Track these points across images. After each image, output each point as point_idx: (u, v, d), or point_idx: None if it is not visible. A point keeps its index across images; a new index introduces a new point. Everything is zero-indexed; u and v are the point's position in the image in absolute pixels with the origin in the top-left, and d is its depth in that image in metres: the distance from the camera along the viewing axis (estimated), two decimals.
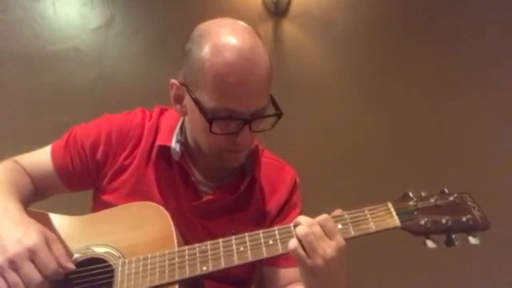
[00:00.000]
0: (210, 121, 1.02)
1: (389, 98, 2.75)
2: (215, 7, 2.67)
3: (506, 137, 2.70)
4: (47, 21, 2.64)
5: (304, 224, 0.96)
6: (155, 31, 2.72)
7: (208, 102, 1.02)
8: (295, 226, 0.99)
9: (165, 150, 1.19)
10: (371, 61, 2.78)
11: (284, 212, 1.26)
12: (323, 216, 0.97)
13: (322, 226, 0.96)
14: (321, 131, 2.74)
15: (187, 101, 1.09)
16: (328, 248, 0.94)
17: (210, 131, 1.03)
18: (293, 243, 0.95)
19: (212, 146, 1.10)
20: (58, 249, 1.02)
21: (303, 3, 2.78)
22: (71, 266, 1.03)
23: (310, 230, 0.94)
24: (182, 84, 1.09)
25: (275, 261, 1.20)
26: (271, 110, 1.08)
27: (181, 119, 1.23)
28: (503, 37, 2.74)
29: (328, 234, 0.95)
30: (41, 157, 1.25)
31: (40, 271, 0.96)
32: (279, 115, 1.08)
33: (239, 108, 1.02)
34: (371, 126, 2.74)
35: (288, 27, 2.78)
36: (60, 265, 1.01)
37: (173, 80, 1.11)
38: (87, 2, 2.67)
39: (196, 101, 1.04)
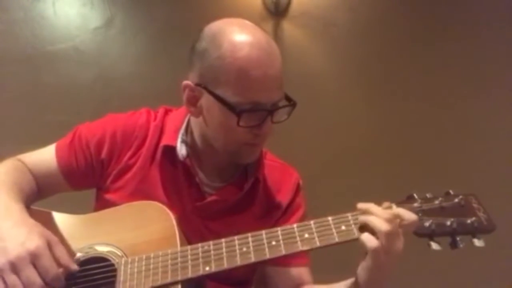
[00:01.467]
0: (238, 114, 1.04)
1: (389, 98, 2.76)
2: (215, 7, 2.67)
3: (510, 137, 2.70)
4: (47, 21, 2.64)
5: (382, 218, 0.95)
6: (155, 31, 2.72)
7: (232, 97, 1.04)
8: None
9: (170, 150, 1.19)
10: (371, 61, 2.78)
11: (288, 214, 1.26)
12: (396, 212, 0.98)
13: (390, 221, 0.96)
14: (322, 131, 2.73)
15: (204, 100, 1.10)
16: (400, 243, 0.95)
17: (238, 124, 1.05)
18: (372, 241, 0.94)
19: (232, 142, 1.11)
20: (60, 251, 1.01)
21: (303, 3, 2.78)
22: (74, 267, 1.03)
23: (391, 227, 0.94)
24: (198, 85, 1.09)
25: (283, 261, 1.20)
26: (284, 101, 1.12)
27: (186, 119, 1.24)
28: (505, 37, 2.75)
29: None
30: (45, 156, 1.25)
31: (41, 276, 0.95)
32: (293, 105, 1.12)
33: (262, 99, 1.05)
34: (372, 126, 2.74)
35: (288, 27, 2.78)
36: (63, 266, 1.01)
37: (186, 82, 1.12)
38: (87, 2, 2.67)
39: (219, 98, 1.05)
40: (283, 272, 1.22)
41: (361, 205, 1.00)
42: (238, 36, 1.05)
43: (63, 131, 1.28)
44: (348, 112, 2.78)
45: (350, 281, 1.06)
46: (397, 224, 0.96)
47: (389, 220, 0.95)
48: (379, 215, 0.96)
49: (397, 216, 0.97)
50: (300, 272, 1.22)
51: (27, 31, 2.61)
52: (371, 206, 0.99)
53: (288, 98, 1.12)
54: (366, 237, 0.95)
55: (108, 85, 2.65)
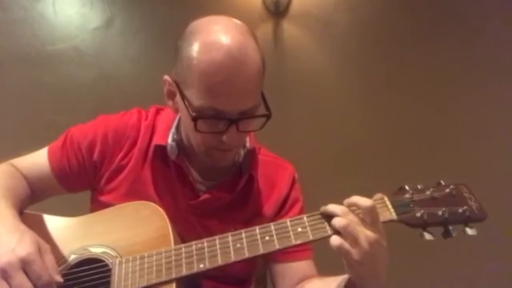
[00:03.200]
0: (194, 119, 1.01)
1: (388, 97, 2.76)
2: (215, 7, 2.67)
3: (502, 134, 2.72)
4: (47, 21, 2.64)
5: (339, 214, 0.95)
6: (155, 31, 2.72)
7: (195, 100, 1.01)
8: (326, 216, 0.99)
9: (162, 149, 1.19)
10: (371, 61, 2.78)
11: (285, 208, 1.25)
12: (351, 201, 0.97)
13: (353, 211, 0.96)
14: (321, 130, 2.74)
15: (178, 97, 1.09)
16: (368, 231, 0.93)
17: (195, 128, 1.02)
18: (336, 240, 0.93)
19: (200, 144, 1.10)
20: (49, 260, 0.99)
21: (303, 3, 2.78)
22: (59, 279, 0.99)
23: (348, 219, 0.94)
24: (174, 81, 1.09)
25: (285, 256, 1.20)
26: (262, 110, 1.07)
27: (177, 118, 1.23)
28: (503, 36, 2.75)
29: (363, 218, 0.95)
30: (38, 159, 1.25)
31: (32, 282, 0.94)
32: (268, 116, 1.06)
33: (225, 107, 1.00)
34: (370, 125, 2.75)
35: (288, 27, 2.78)
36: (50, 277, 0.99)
37: (166, 77, 1.11)
38: (87, 2, 2.68)
39: (184, 99, 1.04)
40: (287, 267, 1.21)
41: (322, 208, 1.00)
42: (211, 37, 0.99)
43: (63, 131, 1.28)
44: (347, 111, 2.78)
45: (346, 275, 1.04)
46: (354, 215, 0.95)
47: (344, 214, 0.95)
48: (336, 213, 0.96)
49: (352, 205, 0.96)
50: (304, 265, 1.21)
51: (27, 31, 2.61)
52: (328, 207, 0.98)
53: (266, 107, 1.07)
54: (332, 238, 0.94)
55: (108, 85, 2.66)
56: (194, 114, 1.01)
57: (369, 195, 1.03)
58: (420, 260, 2.52)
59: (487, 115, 2.72)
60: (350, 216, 0.94)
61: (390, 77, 2.77)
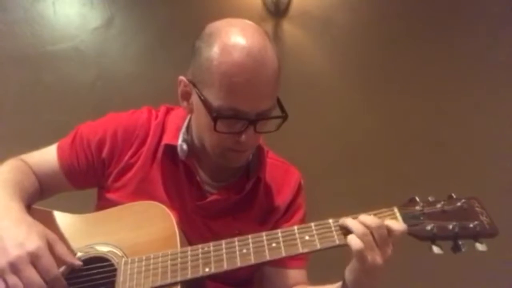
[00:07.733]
0: (215, 119, 1.02)
1: (389, 98, 2.76)
2: (215, 8, 2.66)
3: (503, 133, 2.71)
4: (47, 21, 2.63)
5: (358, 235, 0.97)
6: (155, 31, 2.71)
7: (215, 100, 1.03)
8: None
9: (171, 149, 1.19)
10: (371, 61, 2.78)
11: (289, 213, 1.26)
12: (369, 221, 0.97)
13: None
14: (322, 131, 2.74)
15: (194, 98, 1.10)
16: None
17: (215, 129, 1.03)
18: (356, 243, 0.95)
19: (216, 145, 1.10)
20: (61, 248, 1.02)
21: (303, 3, 2.78)
22: (78, 263, 1.04)
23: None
24: (190, 81, 1.09)
25: (282, 262, 1.20)
26: (277, 112, 1.09)
27: (188, 118, 1.23)
28: (505, 37, 2.75)
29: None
30: (47, 156, 1.25)
31: (41, 275, 0.96)
32: (284, 117, 1.09)
33: (244, 108, 1.02)
34: (372, 126, 2.74)
35: (288, 27, 2.77)
36: (66, 263, 1.02)
37: (181, 77, 1.12)
38: (87, 2, 2.67)
39: (203, 99, 1.05)
40: (280, 272, 1.22)
41: (341, 221, 1.01)
42: (231, 39, 1.02)
43: (63, 131, 1.29)
44: (348, 112, 2.78)
45: (339, 283, 1.06)
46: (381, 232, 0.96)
47: (363, 235, 0.96)
48: (354, 232, 0.97)
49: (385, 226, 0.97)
50: (297, 274, 1.23)
51: (27, 31, 2.60)
52: (346, 222, 0.99)
53: (282, 109, 1.09)
54: (351, 238, 0.96)
55: (108, 85, 2.65)
56: (214, 114, 1.02)
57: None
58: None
59: (488, 115, 2.71)
60: (368, 237, 0.96)
61: (390, 77, 2.76)
